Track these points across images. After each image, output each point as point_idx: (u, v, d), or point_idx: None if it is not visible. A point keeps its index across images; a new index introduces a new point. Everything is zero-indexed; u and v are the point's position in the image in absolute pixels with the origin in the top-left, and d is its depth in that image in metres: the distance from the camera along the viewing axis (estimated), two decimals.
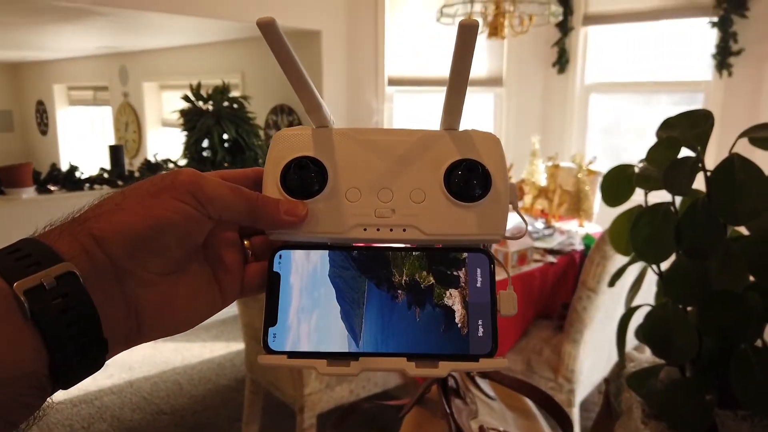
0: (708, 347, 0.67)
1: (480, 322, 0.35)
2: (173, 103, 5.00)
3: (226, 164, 3.75)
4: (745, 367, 0.60)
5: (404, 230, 0.37)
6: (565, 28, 3.54)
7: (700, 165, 0.62)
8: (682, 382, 0.67)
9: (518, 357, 2.03)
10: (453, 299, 0.36)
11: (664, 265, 0.69)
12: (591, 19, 3.53)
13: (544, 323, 2.17)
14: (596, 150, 3.63)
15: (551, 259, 2.19)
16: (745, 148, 0.63)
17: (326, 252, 0.38)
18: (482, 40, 2.83)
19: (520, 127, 3.81)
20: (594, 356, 1.96)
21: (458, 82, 0.34)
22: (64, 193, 3.09)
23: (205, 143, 3.77)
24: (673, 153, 0.65)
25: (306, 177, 0.38)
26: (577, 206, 2.61)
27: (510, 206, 0.39)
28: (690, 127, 0.66)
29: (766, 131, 0.65)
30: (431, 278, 0.37)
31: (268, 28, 0.31)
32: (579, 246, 2.32)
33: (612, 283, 0.78)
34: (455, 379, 0.73)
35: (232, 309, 3.29)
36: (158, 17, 3.40)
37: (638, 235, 0.67)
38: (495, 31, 2.49)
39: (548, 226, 2.53)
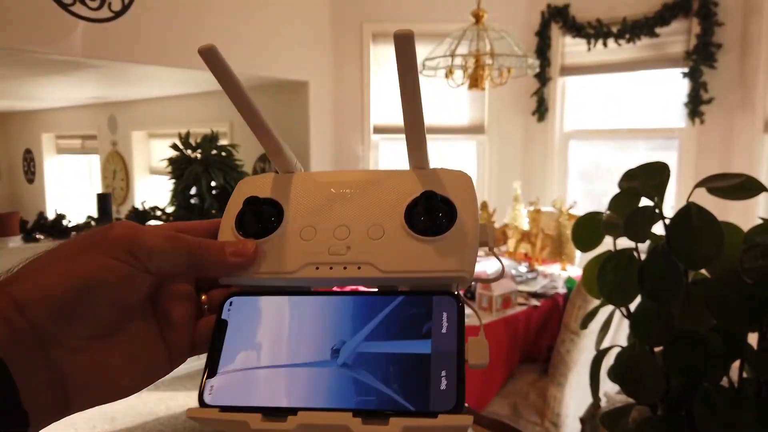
0: (676, 386, 0.70)
1: (443, 374, 0.30)
2: (162, 151, 5.06)
3: (213, 211, 3.78)
4: (707, 405, 0.63)
5: (359, 268, 0.34)
6: (543, 78, 3.67)
7: (657, 212, 0.67)
8: (653, 421, 0.69)
9: (504, 401, 2.04)
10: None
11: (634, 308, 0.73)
12: (568, 70, 3.67)
13: (530, 367, 2.19)
14: (576, 194, 3.71)
15: (535, 302, 2.22)
16: (706, 197, 0.69)
17: (277, 298, 0.34)
18: (464, 91, 2.93)
19: (503, 173, 3.90)
20: (579, 399, 1.97)
21: (412, 109, 0.32)
22: (51, 242, 3.09)
23: (193, 191, 3.80)
24: (633, 202, 0.70)
25: (260, 217, 0.35)
26: (559, 250, 2.66)
27: (487, 249, 0.36)
28: (649, 178, 0.71)
29: (721, 181, 0.71)
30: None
31: (209, 56, 0.28)
32: (562, 289, 2.35)
33: (584, 326, 0.81)
34: None
35: None
36: (149, 69, 3.48)
37: (605, 279, 0.71)
38: (475, 82, 2.59)
39: (531, 269, 2.57)
